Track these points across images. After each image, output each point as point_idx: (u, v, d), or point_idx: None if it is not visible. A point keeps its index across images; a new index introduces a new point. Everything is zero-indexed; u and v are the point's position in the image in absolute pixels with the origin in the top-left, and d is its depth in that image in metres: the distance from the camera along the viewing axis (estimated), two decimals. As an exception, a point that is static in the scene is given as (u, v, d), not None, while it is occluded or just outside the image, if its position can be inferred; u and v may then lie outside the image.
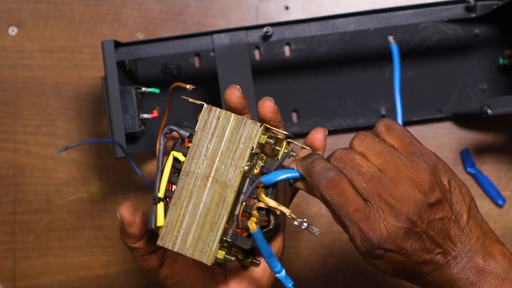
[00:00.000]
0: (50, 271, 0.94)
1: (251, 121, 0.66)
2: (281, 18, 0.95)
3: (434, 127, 0.94)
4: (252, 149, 0.65)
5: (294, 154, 0.69)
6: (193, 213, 0.65)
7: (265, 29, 0.83)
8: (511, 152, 0.94)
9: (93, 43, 0.95)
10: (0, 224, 0.94)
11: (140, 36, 0.95)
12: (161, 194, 0.66)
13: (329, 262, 0.93)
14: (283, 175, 0.65)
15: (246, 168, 0.65)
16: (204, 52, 0.94)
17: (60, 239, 0.94)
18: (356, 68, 0.94)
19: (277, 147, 0.67)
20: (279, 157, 0.67)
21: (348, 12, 0.84)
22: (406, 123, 0.94)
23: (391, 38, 0.67)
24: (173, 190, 0.66)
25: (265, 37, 0.84)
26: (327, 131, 0.73)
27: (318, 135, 0.72)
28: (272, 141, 0.67)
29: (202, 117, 0.66)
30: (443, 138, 0.95)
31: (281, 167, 0.66)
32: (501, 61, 0.92)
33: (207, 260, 0.64)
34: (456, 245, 0.62)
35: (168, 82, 0.93)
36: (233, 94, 0.72)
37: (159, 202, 0.66)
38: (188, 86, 0.67)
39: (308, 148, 0.70)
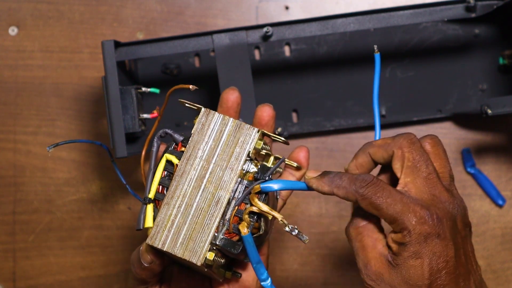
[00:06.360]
0: (50, 271, 0.94)
1: (249, 125, 0.66)
2: (281, 18, 0.95)
3: (434, 127, 0.94)
4: (249, 154, 0.66)
5: (294, 164, 0.71)
6: (185, 213, 0.65)
7: (265, 29, 0.83)
8: (511, 152, 0.94)
9: (93, 43, 0.95)
10: (0, 224, 0.94)
11: (140, 36, 0.95)
12: (151, 195, 0.66)
13: (329, 262, 0.93)
14: (286, 186, 0.65)
15: (242, 171, 0.65)
16: (204, 52, 0.94)
17: (60, 239, 0.94)
18: (356, 68, 0.94)
19: (264, 162, 0.68)
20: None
21: (348, 12, 0.84)
22: (406, 123, 0.94)
23: (376, 47, 0.68)
24: (163, 193, 0.67)
25: (265, 37, 0.84)
26: (309, 150, 0.74)
27: (301, 153, 0.73)
28: (267, 147, 0.67)
29: (199, 120, 0.67)
30: (443, 138, 0.94)
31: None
32: (501, 61, 0.92)
33: (198, 260, 0.64)
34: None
35: (168, 82, 0.93)
36: (232, 93, 0.73)
37: (149, 203, 0.66)
38: (191, 87, 0.67)
39: (294, 164, 0.72)
